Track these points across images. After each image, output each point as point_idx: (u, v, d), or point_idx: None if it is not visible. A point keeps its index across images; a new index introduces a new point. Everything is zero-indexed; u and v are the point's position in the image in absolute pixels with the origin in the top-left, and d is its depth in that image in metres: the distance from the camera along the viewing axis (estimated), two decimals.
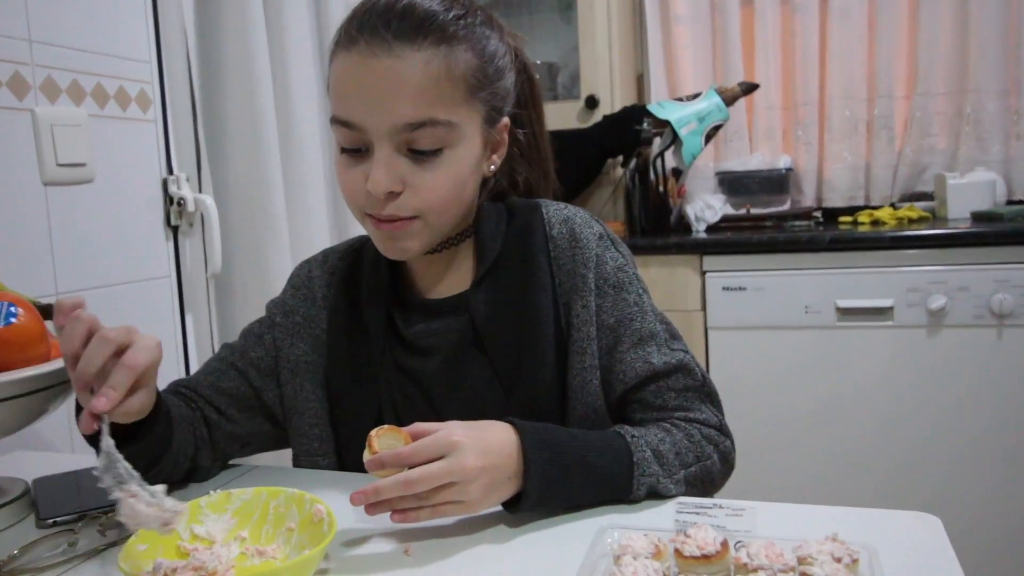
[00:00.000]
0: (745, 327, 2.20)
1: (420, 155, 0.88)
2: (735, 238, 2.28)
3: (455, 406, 0.95)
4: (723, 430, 0.96)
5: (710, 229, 2.53)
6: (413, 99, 0.85)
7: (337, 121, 0.89)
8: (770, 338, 2.19)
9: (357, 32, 0.86)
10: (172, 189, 1.56)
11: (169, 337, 1.55)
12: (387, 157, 0.87)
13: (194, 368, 1.58)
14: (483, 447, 0.80)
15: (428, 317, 1.00)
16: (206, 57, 1.67)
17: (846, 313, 2.12)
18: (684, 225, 2.58)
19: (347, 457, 1.02)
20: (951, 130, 2.62)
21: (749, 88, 2.55)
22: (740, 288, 2.19)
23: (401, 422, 0.88)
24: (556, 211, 1.00)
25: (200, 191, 1.61)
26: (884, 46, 2.61)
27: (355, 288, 1.04)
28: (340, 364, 1.02)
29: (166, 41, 1.55)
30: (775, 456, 2.17)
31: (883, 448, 2.13)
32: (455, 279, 1.01)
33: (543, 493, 0.82)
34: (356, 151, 0.90)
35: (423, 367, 0.98)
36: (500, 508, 0.84)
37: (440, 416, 0.92)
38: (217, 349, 1.61)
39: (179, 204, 1.56)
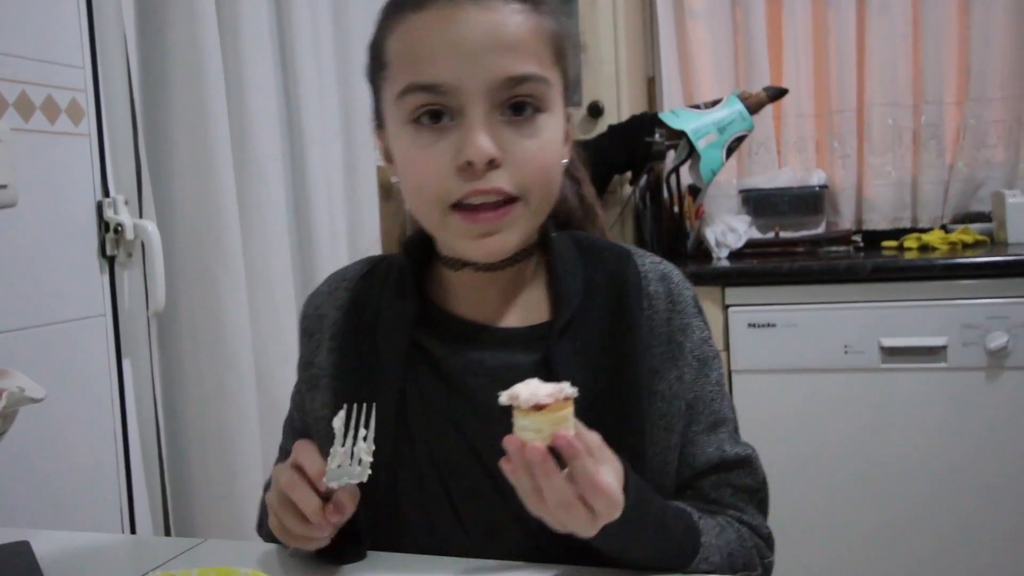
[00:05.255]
0: (775, 370, 2.20)
1: (516, 119, 0.89)
2: (762, 267, 2.29)
3: None
4: (771, 544, 1.00)
5: (733, 256, 2.54)
6: (511, 50, 0.88)
7: (418, 88, 0.89)
8: (804, 382, 2.19)
9: None
10: (108, 214, 1.55)
11: (103, 386, 1.54)
12: (485, 119, 0.88)
13: (132, 422, 1.57)
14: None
15: (483, 347, 0.98)
16: (148, 61, 1.67)
17: (892, 353, 2.13)
18: (703, 251, 2.59)
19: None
20: (1010, 140, 2.64)
21: (777, 93, 2.57)
22: (769, 325, 2.19)
23: (440, 473, 0.94)
24: (652, 265, 1.01)
25: (141, 216, 1.61)
26: (931, 44, 2.64)
27: (368, 320, 1.02)
28: (348, 376, 1.00)
29: (102, 43, 1.55)
30: (808, 521, 2.16)
31: (935, 511, 2.12)
32: (520, 308, 1.00)
33: (620, 531, 0.82)
34: (436, 127, 0.89)
35: (468, 409, 0.96)
36: None
37: (487, 466, 0.92)
38: (160, 401, 1.62)
39: (116, 231, 1.56)
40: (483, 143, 0.87)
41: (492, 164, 0.88)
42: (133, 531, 1.56)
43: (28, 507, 1.38)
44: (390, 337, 0.99)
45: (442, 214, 0.91)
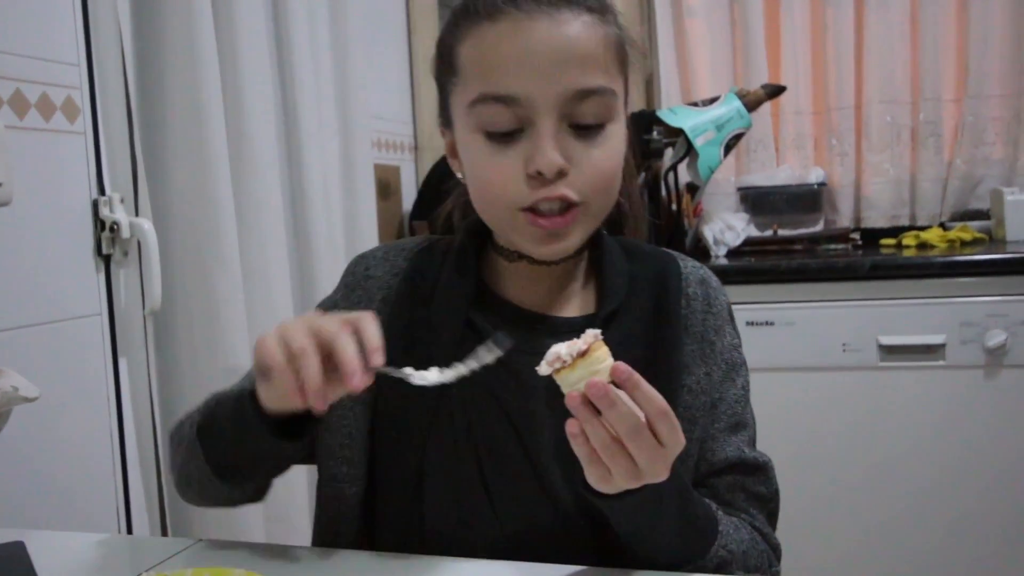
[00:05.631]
0: (773, 368, 2.20)
1: (583, 130, 0.92)
2: (760, 264, 2.28)
3: (550, 438, 0.95)
4: (778, 554, 1.02)
5: (731, 254, 2.54)
6: (582, 64, 0.91)
7: (490, 98, 0.92)
8: (802, 381, 2.18)
9: (503, 1, 0.91)
10: (104, 212, 1.55)
11: (99, 384, 1.53)
12: (555, 130, 0.91)
13: (128, 421, 1.57)
14: None
15: (533, 333, 1.00)
16: (144, 59, 1.66)
17: (890, 352, 2.12)
18: (701, 249, 2.59)
19: (381, 488, 1.01)
20: (1008, 138, 2.64)
21: (775, 91, 2.56)
22: (767, 323, 2.18)
23: (476, 445, 0.96)
24: (694, 268, 1.08)
25: (136, 214, 1.60)
26: (929, 41, 2.64)
27: (424, 291, 1.04)
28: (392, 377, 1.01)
29: (97, 40, 1.55)
30: (806, 519, 2.15)
31: (933, 508, 2.12)
32: (568, 301, 1.04)
33: (650, 500, 0.83)
34: (506, 135, 0.92)
35: (512, 385, 0.98)
36: None
37: (523, 442, 0.96)
38: (157, 400, 1.61)
39: (112, 229, 1.55)
40: (553, 155, 0.90)
41: (559, 174, 0.91)
42: (130, 531, 1.56)
43: (24, 507, 1.38)
44: (446, 311, 1.01)
45: (511, 216, 0.95)
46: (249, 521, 1.69)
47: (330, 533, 1.03)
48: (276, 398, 0.86)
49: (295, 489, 1.86)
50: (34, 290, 1.43)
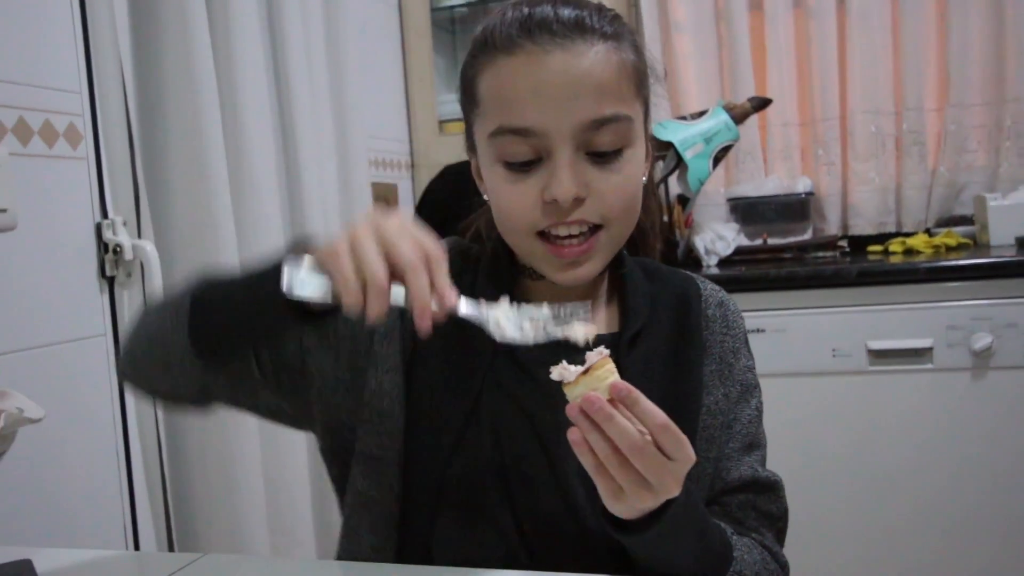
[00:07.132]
0: (764, 374, 2.16)
1: (600, 157, 0.93)
2: (750, 273, 2.29)
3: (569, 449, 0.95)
4: (787, 572, 1.04)
5: (722, 263, 2.54)
6: (596, 94, 0.91)
7: (508, 131, 0.93)
8: (792, 386, 2.19)
9: (518, 35, 0.92)
10: (107, 235, 1.56)
11: (104, 404, 1.54)
12: (571, 159, 0.91)
13: (134, 438, 1.57)
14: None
15: (558, 348, 0.99)
16: (144, 85, 1.67)
17: (879, 356, 2.13)
18: (693, 259, 2.59)
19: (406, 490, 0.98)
20: (990, 145, 2.64)
21: (761, 103, 2.57)
22: (758, 330, 2.19)
23: (503, 455, 0.95)
24: (713, 291, 1.11)
25: (139, 236, 1.61)
26: (911, 52, 2.65)
27: (462, 291, 1.02)
28: (431, 359, 0.99)
29: (98, 68, 1.56)
30: (799, 523, 2.15)
31: (924, 510, 2.12)
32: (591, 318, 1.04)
33: (667, 528, 0.84)
34: (524, 164, 0.93)
35: (540, 397, 0.97)
36: None
37: (549, 454, 0.96)
38: (161, 418, 1.62)
39: (115, 252, 1.56)
40: (568, 184, 0.91)
41: (576, 201, 0.92)
42: (137, 547, 1.56)
43: (31, 526, 1.38)
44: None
45: (529, 242, 0.96)
46: (254, 535, 1.69)
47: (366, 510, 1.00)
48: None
49: (299, 503, 1.86)
50: (39, 312, 1.43)
